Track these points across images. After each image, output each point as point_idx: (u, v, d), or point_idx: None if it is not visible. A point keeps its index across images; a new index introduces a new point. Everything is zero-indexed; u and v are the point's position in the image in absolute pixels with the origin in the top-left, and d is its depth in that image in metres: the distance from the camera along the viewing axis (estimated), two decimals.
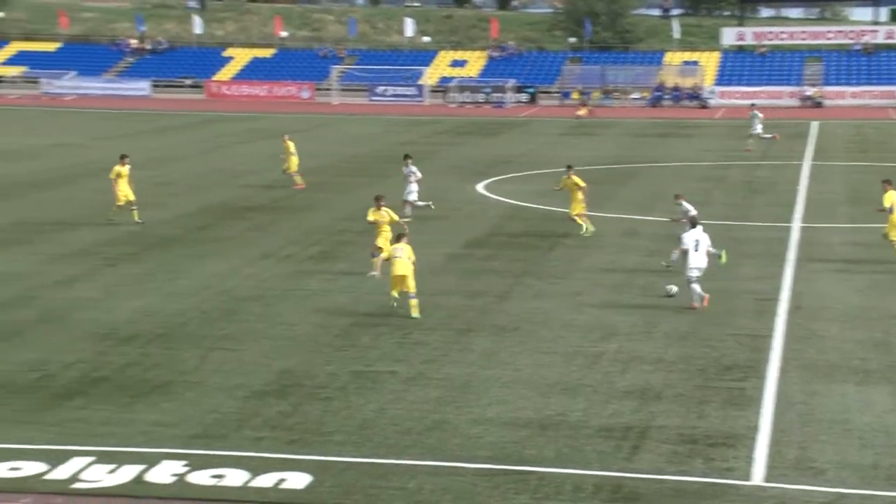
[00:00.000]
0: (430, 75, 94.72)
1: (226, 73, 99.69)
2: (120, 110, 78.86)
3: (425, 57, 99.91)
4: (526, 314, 24.03)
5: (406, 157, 36.01)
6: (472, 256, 30.02)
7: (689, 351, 21.29)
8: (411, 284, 23.45)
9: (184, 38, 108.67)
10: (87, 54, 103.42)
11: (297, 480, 15.18)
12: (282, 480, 15.18)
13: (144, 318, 23.34)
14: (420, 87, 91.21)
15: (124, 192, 33.90)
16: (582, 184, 32.01)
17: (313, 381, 19.41)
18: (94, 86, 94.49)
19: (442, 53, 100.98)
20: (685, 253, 24.33)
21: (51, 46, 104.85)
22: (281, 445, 16.42)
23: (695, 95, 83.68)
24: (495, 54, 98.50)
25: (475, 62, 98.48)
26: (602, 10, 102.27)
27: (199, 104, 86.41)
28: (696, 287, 24.18)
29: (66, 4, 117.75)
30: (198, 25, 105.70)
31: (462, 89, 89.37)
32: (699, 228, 24.65)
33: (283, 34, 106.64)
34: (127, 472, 15.29)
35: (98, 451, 15.97)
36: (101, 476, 15.18)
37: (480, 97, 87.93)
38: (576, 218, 32.22)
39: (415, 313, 23.35)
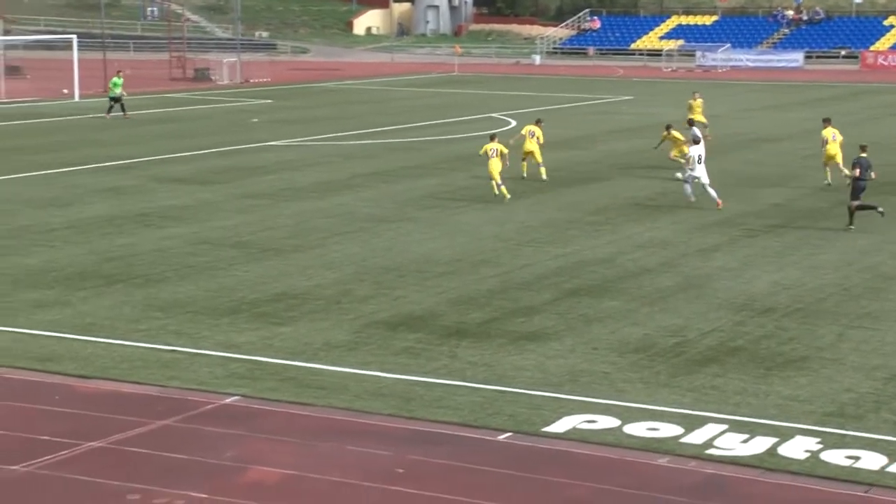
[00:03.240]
0: None
1: (884, 43, 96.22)
2: (770, 82, 78.63)
3: None
4: None
5: (690, 121, 38.36)
6: None
7: None
8: (497, 175, 32.07)
9: (842, 7, 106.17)
10: (743, 26, 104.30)
11: None
12: None
13: (782, 290, 23.15)
14: None
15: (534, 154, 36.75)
16: (681, 138, 36.06)
17: None
18: (747, 57, 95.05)
19: None
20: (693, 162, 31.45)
21: (708, 20, 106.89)
22: None
23: None
24: None
25: None
26: None
27: (852, 75, 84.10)
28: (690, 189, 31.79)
29: None
30: None
31: None
32: (701, 144, 32.03)
33: None
34: (760, 444, 15.26)
35: (731, 420, 16.08)
36: (734, 444, 15.28)
37: None
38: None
39: (498, 193, 32.13)
